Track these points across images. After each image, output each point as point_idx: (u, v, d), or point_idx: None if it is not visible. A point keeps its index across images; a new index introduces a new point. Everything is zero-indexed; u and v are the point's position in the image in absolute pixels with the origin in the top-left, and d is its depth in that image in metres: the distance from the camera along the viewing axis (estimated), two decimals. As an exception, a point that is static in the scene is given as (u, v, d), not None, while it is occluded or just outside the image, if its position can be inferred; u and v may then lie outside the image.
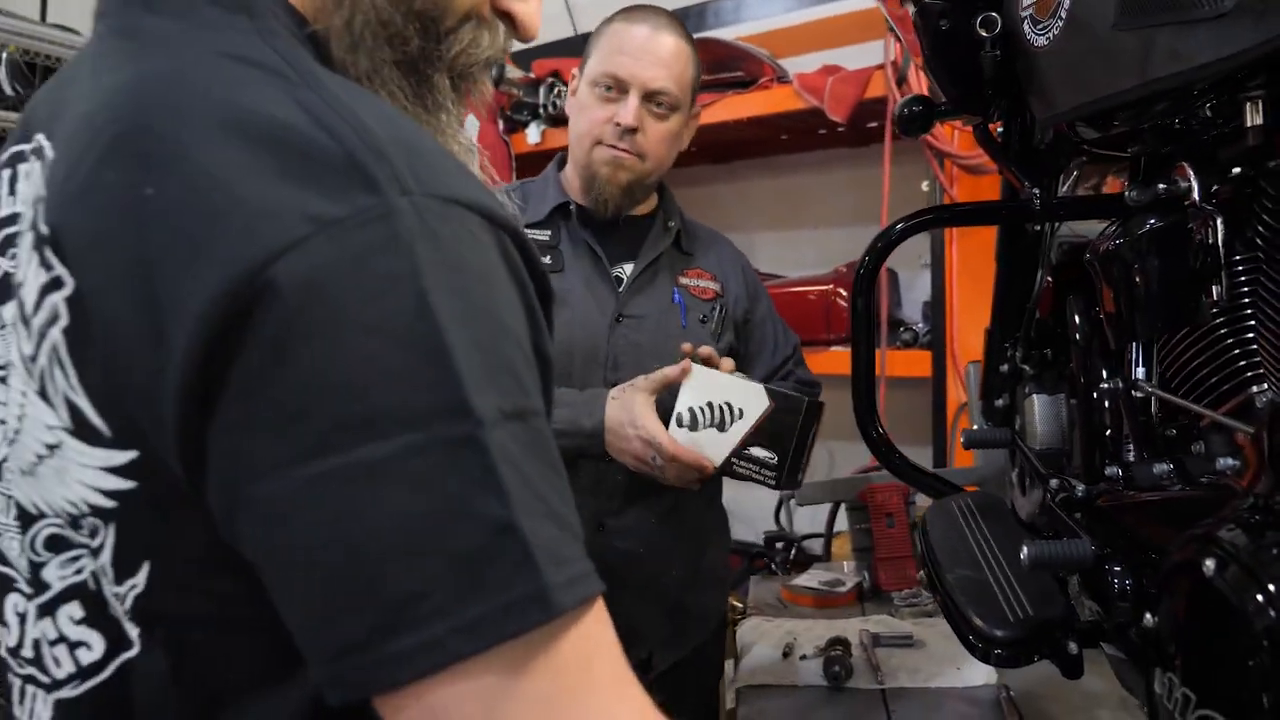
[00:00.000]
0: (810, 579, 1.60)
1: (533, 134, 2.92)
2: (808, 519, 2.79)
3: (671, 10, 3.29)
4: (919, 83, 2.08)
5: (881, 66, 2.19)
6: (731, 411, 1.35)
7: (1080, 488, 0.86)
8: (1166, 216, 0.76)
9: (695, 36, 2.78)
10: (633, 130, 1.45)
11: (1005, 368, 1.24)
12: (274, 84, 0.51)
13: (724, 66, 2.55)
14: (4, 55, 5.10)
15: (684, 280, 1.56)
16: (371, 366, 0.45)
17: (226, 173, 0.46)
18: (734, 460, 1.35)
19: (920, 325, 2.35)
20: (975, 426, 1.36)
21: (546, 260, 1.50)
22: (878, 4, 1.06)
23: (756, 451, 1.34)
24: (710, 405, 1.36)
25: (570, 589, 0.46)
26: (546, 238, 1.52)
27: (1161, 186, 0.76)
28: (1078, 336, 1.05)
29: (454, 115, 0.66)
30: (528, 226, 1.52)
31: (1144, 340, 0.84)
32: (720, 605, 1.66)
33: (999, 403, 1.28)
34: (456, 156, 0.62)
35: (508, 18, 0.67)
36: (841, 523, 1.99)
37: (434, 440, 0.45)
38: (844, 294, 2.50)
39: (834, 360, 2.40)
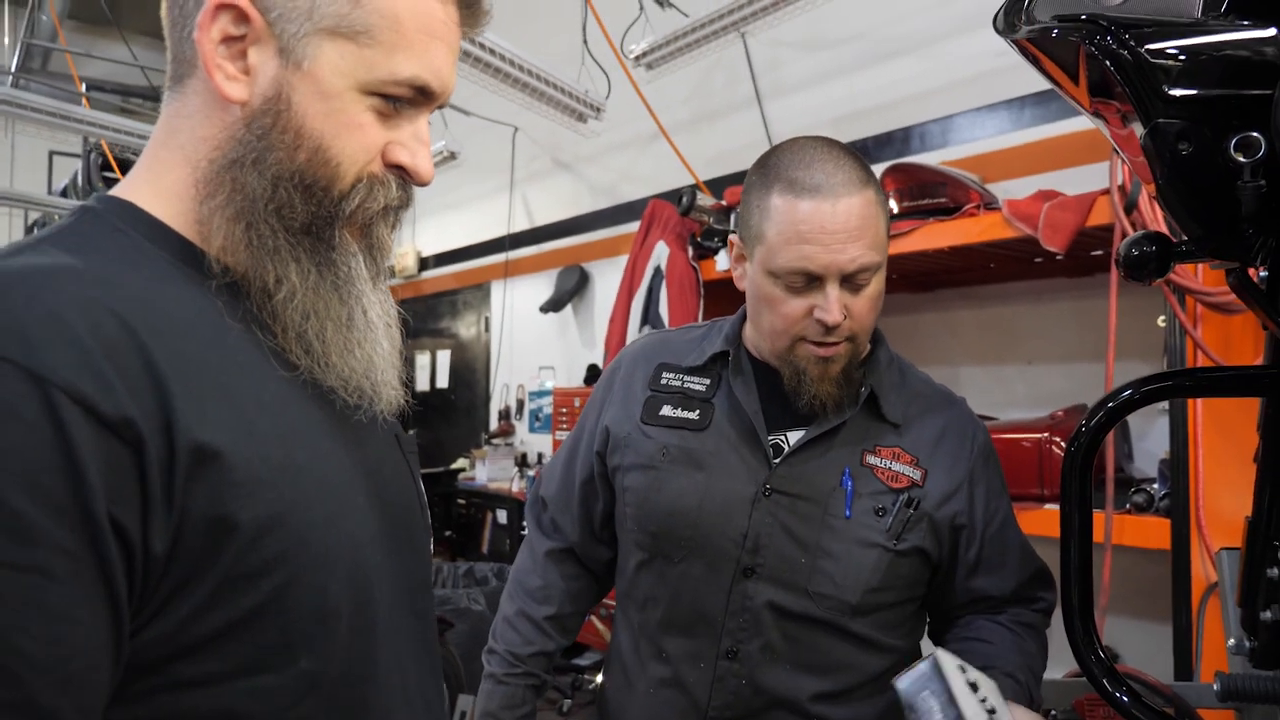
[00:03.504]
0: (1012, 805, 1.30)
1: (722, 261, 2.85)
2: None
3: (875, 136, 3.21)
4: (1153, 210, 1.83)
5: (1106, 191, 1.95)
6: None
7: None
8: None
9: (896, 162, 2.65)
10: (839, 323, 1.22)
11: (1275, 572, 0.97)
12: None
13: (925, 192, 2.38)
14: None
15: (871, 459, 1.27)
16: None
17: None
18: None
19: (1156, 486, 2.01)
20: (1231, 641, 1.07)
21: (693, 415, 1.34)
22: (1098, 126, 0.88)
23: None
24: None
25: None
26: (703, 389, 1.35)
27: None
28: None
29: (359, 260, 0.79)
30: (687, 372, 1.37)
31: None
32: None
33: (1266, 615, 0.99)
34: (314, 304, 0.76)
35: (400, 169, 0.79)
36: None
37: None
38: (1061, 443, 2.20)
39: (1049, 520, 2.09)
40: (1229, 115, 0.68)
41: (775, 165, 1.24)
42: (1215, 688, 0.87)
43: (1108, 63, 0.70)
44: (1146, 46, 0.69)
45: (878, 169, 2.59)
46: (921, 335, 3.08)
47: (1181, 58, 0.69)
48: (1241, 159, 0.67)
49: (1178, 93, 0.69)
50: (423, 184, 0.81)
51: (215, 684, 0.66)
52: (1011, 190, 2.49)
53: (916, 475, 1.26)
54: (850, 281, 1.21)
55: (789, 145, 1.26)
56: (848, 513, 1.23)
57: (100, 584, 0.59)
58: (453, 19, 0.80)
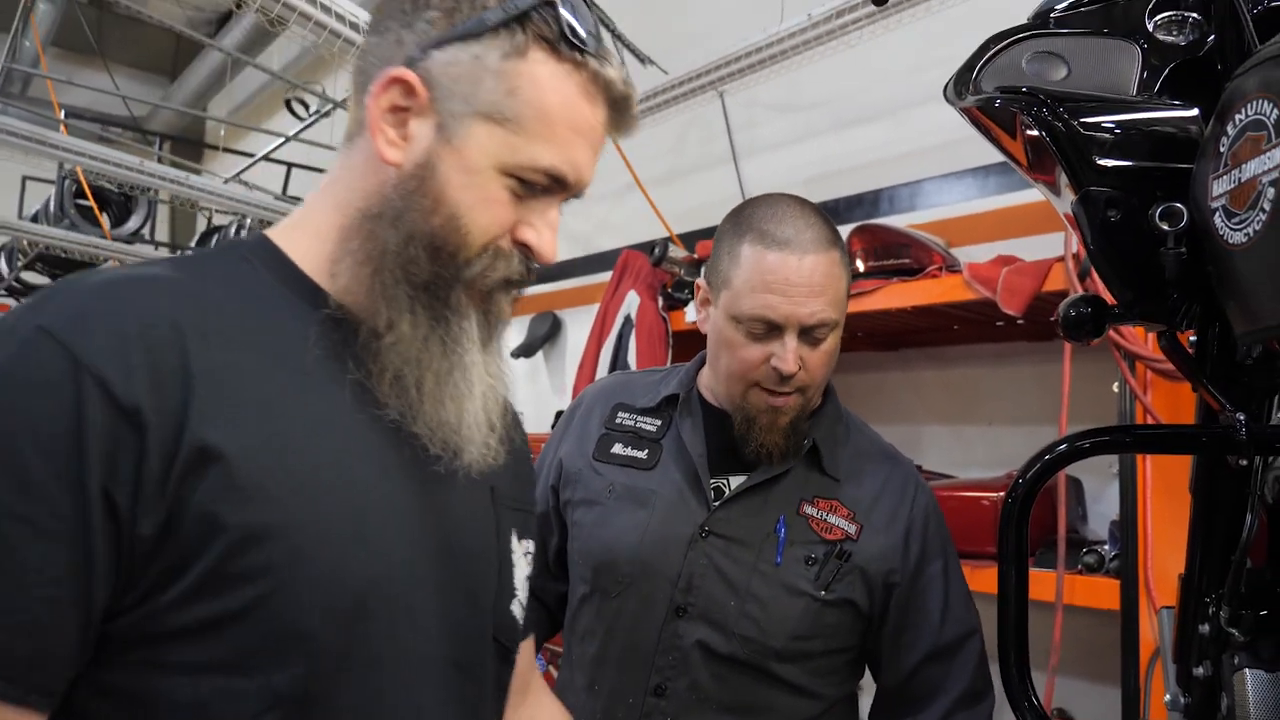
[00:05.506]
0: None
1: (691, 313, 2.88)
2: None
3: (845, 197, 3.28)
4: (1105, 277, 1.89)
5: (1062, 259, 2.02)
6: None
7: None
8: None
9: (861, 224, 2.72)
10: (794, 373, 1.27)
11: (1206, 628, 1.00)
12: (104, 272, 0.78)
13: (890, 253, 2.44)
14: (247, 223, 5.74)
15: (808, 509, 1.30)
16: None
17: None
18: None
19: (1107, 547, 2.04)
20: (1167, 696, 1.10)
21: (642, 454, 1.36)
22: (1038, 189, 0.93)
23: None
24: None
25: None
26: (654, 429, 1.38)
27: None
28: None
29: (471, 322, 0.84)
30: (640, 412, 1.40)
31: None
32: None
33: (1198, 671, 1.02)
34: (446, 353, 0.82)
35: (525, 247, 0.85)
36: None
37: None
38: (1018, 502, 2.23)
39: (1003, 578, 2.11)
40: (1154, 186, 0.73)
41: (750, 216, 1.30)
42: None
43: (1043, 132, 0.75)
44: (1080, 119, 0.74)
45: (846, 229, 2.65)
46: (886, 393, 3.13)
47: (1112, 131, 0.74)
48: (1165, 227, 0.72)
49: (1107, 163, 0.73)
50: (544, 264, 0.87)
51: (192, 674, 0.69)
52: (976, 255, 2.55)
53: (851, 529, 1.29)
54: (809, 335, 1.25)
55: (765, 199, 1.32)
56: (778, 559, 1.26)
57: (78, 547, 0.65)
58: (600, 120, 0.87)
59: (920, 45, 2.93)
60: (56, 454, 0.65)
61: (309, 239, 0.85)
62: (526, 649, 1.12)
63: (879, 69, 3.10)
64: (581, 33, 0.83)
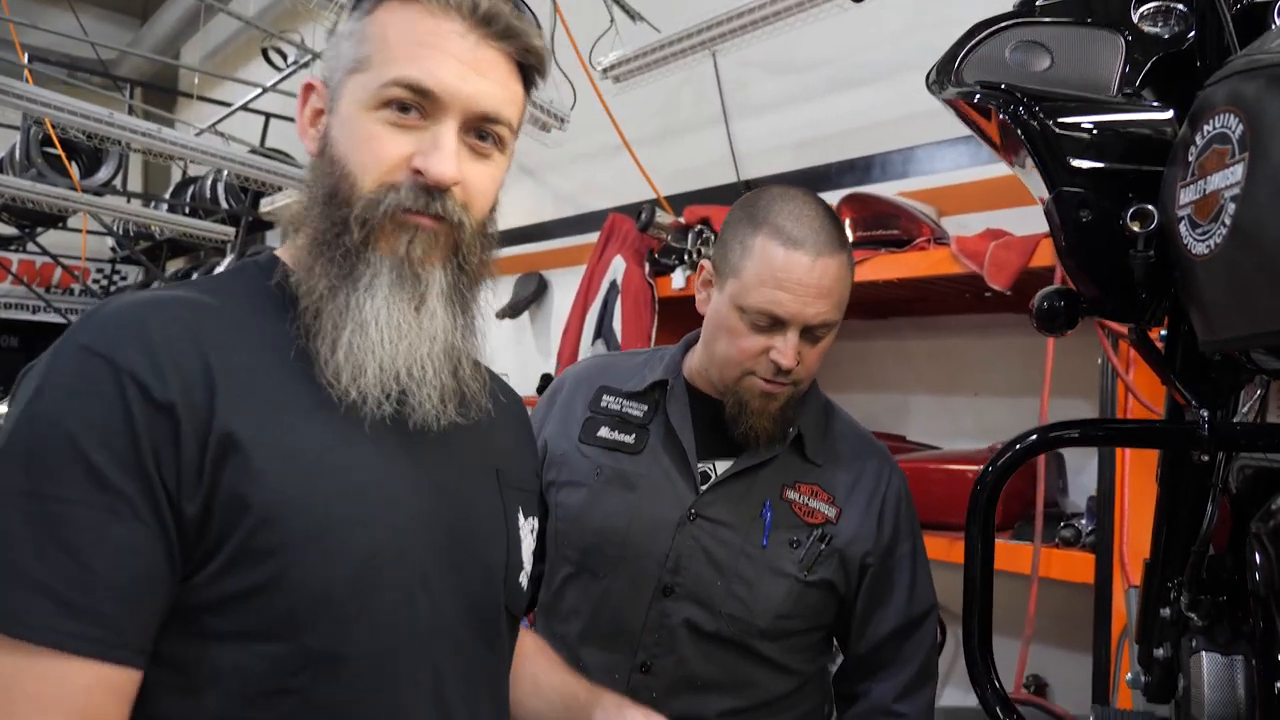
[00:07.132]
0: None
1: (678, 279, 2.87)
2: None
3: (837, 162, 3.24)
4: (1090, 254, 1.89)
5: (1049, 234, 2.01)
6: None
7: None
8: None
9: (853, 192, 2.70)
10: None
11: (1167, 612, 1.02)
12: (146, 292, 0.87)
13: (879, 223, 2.44)
14: (224, 175, 5.62)
15: (791, 494, 1.34)
16: None
17: None
18: None
19: (1084, 522, 2.07)
20: (1129, 675, 1.13)
21: (629, 438, 1.38)
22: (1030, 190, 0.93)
23: None
24: None
25: None
26: (640, 414, 1.40)
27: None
28: (1263, 589, 0.84)
29: (375, 269, 0.85)
30: (626, 396, 1.42)
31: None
32: None
33: (1159, 653, 1.05)
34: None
35: (420, 174, 0.85)
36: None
37: None
38: (998, 474, 2.25)
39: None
40: (1127, 187, 0.73)
41: (766, 209, 1.32)
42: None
43: (1019, 131, 0.75)
44: (1055, 119, 0.74)
45: (837, 195, 2.64)
46: (873, 362, 3.14)
47: (1087, 131, 0.74)
48: (1136, 229, 0.72)
49: (1081, 164, 0.73)
50: (435, 183, 0.86)
51: (232, 641, 0.77)
52: (968, 224, 2.54)
53: (831, 513, 1.33)
54: (809, 333, 1.29)
55: (781, 192, 1.35)
56: (764, 542, 1.29)
57: (155, 523, 0.74)
58: (456, 30, 0.86)
59: (915, 7, 2.90)
60: (115, 446, 0.73)
61: (296, 246, 0.92)
62: None
63: (874, 31, 3.06)
64: None
